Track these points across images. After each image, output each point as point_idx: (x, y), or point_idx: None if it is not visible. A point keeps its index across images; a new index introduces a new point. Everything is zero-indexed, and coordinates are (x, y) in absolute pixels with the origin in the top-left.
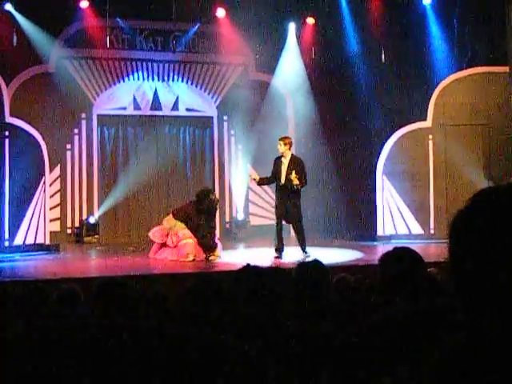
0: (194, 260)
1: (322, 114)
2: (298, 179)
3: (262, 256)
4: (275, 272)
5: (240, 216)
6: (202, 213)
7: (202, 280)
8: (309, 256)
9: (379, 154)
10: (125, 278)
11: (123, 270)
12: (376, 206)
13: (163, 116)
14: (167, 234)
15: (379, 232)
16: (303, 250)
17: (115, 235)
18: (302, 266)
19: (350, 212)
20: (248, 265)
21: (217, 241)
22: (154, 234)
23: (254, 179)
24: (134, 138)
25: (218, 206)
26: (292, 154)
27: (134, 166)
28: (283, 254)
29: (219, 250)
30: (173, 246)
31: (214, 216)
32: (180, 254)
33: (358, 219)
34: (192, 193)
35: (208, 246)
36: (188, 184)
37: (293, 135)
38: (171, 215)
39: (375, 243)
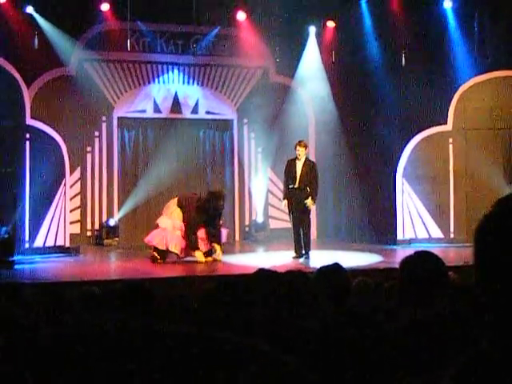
0: (176, 256)
1: (343, 117)
2: (312, 197)
3: (280, 259)
4: (290, 276)
5: (260, 219)
6: (204, 212)
7: (219, 283)
8: (307, 258)
9: (399, 157)
10: (145, 280)
11: (143, 273)
12: (396, 209)
13: (183, 119)
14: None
15: (399, 236)
16: (307, 252)
17: (135, 238)
18: (322, 269)
19: (370, 215)
20: (261, 269)
21: (213, 244)
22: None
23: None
24: (154, 140)
25: (221, 212)
26: (306, 157)
27: (154, 168)
28: (304, 255)
29: (219, 253)
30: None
31: (214, 220)
32: (166, 241)
33: (378, 223)
34: None
35: (192, 245)
36: (208, 187)
37: (313, 139)
38: (176, 200)
39: (395, 247)
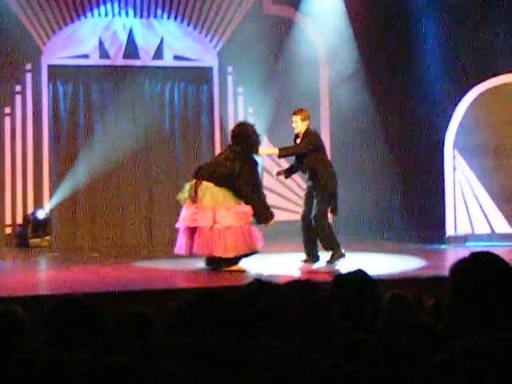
0: (235, 259)
1: (369, 65)
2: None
3: (286, 265)
4: (294, 287)
5: None
6: (249, 155)
7: (198, 298)
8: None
9: (449, 119)
10: (90, 296)
11: (88, 286)
12: (444, 194)
13: (141, 67)
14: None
15: (449, 231)
16: (320, 258)
17: (74, 236)
18: (340, 278)
19: (408, 203)
20: (257, 280)
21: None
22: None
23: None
24: (101, 97)
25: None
26: (307, 129)
27: (101, 137)
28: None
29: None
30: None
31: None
32: (213, 246)
33: (419, 213)
34: (185, 174)
35: (265, 215)
36: (177, 162)
37: (326, 96)
38: (201, 180)
39: (443, 246)
